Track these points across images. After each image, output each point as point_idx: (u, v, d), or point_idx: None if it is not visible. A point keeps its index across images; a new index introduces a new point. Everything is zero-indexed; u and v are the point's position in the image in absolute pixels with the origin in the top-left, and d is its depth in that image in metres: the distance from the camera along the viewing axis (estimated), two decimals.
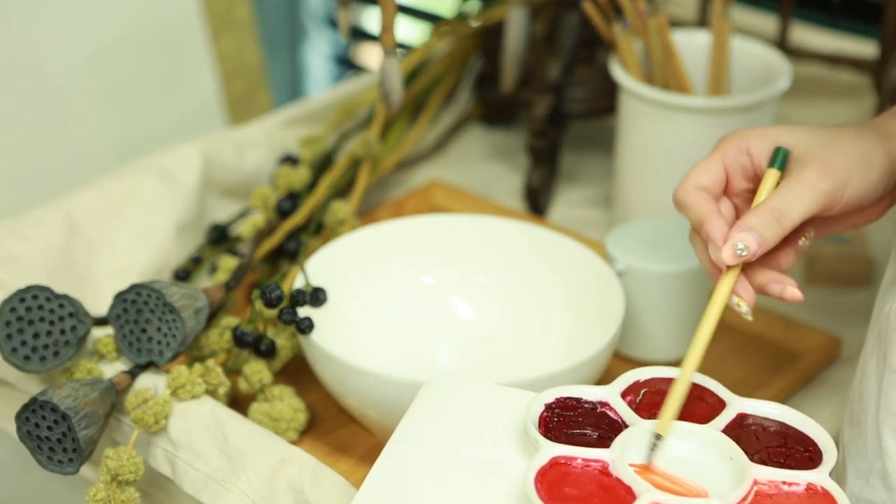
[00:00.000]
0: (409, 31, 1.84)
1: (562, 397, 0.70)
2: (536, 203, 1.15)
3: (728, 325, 0.99)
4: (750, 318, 0.71)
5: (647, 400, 0.70)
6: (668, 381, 0.70)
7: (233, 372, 0.89)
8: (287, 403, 0.86)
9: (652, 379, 0.71)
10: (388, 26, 0.94)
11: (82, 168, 1.38)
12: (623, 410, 0.69)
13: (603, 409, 0.69)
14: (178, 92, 1.51)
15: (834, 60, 1.23)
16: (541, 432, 0.67)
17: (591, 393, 0.70)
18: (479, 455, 0.68)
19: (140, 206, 1.02)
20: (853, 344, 0.96)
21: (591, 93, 1.17)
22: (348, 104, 1.15)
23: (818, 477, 0.64)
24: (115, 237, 1.00)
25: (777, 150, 0.72)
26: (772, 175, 0.72)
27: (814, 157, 0.71)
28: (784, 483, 0.64)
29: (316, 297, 0.89)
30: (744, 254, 0.70)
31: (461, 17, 1.32)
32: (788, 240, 0.73)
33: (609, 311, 0.87)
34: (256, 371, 0.86)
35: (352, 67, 1.95)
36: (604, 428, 0.68)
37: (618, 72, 1.01)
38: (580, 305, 0.91)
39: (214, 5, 1.52)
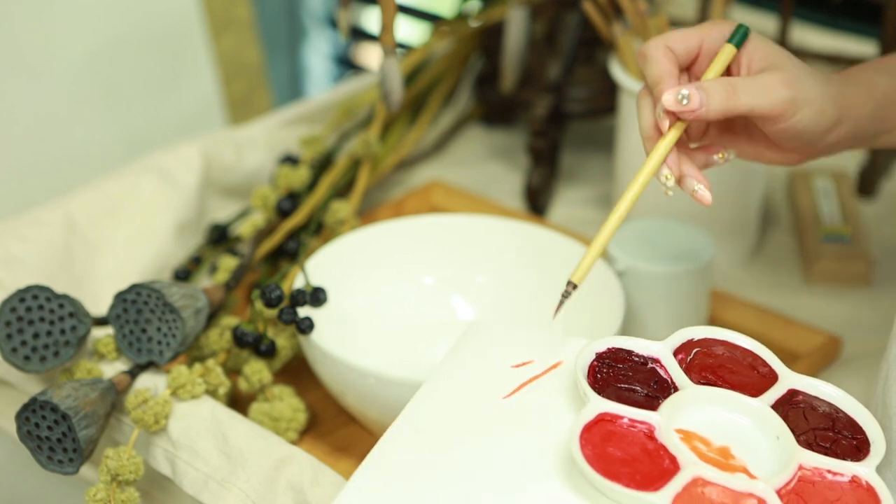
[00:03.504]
0: (409, 31, 1.84)
1: (614, 347, 0.69)
2: (536, 203, 1.15)
3: (728, 325, 0.99)
4: (671, 193, 0.73)
5: (699, 361, 0.69)
6: (722, 343, 0.70)
7: (233, 372, 0.89)
8: (287, 403, 0.86)
9: (706, 339, 0.70)
10: (388, 26, 0.94)
11: (82, 168, 1.38)
12: (674, 370, 0.68)
13: (653, 366, 0.68)
14: (178, 92, 1.50)
15: (834, 60, 1.23)
16: (589, 382, 0.66)
17: (643, 347, 0.69)
18: (520, 402, 0.68)
19: (140, 206, 1.02)
20: (853, 344, 0.96)
21: (591, 93, 1.17)
22: (348, 104, 1.15)
23: (865, 471, 0.63)
24: (115, 237, 1.00)
25: (739, 27, 0.74)
26: (727, 50, 0.74)
27: (786, 69, 0.73)
28: (829, 472, 0.63)
29: (316, 297, 0.89)
30: (684, 103, 0.70)
31: (461, 17, 1.32)
32: (707, 148, 0.76)
33: (609, 311, 0.87)
34: (256, 371, 0.86)
35: (352, 67, 1.95)
36: (652, 386, 0.67)
37: (618, 72, 1.01)
38: (580, 305, 0.91)
39: (214, 5, 1.52)
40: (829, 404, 0.67)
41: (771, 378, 0.68)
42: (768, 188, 1.14)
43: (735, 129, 0.78)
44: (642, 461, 0.62)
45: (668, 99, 0.71)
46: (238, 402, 0.90)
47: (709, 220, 1.01)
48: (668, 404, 0.65)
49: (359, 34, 1.90)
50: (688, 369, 0.68)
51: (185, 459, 0.79)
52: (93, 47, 1.40)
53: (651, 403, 0.66)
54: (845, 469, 0.63)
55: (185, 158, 1.05)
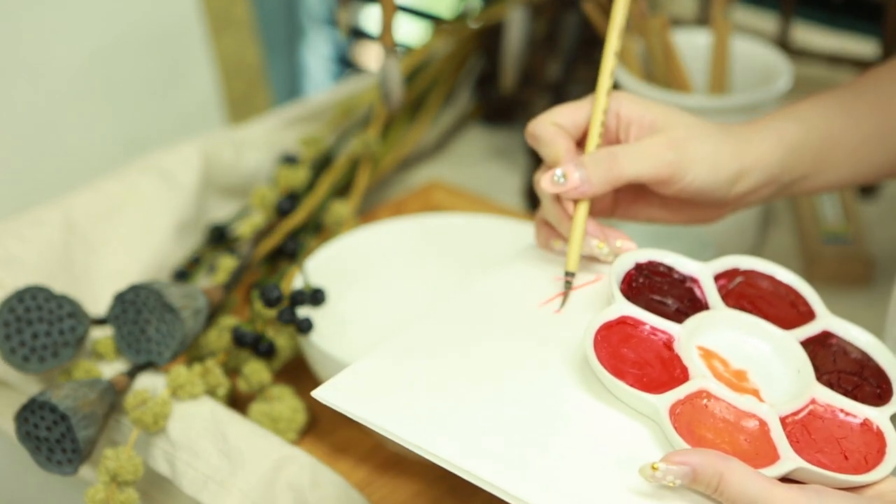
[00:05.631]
0: (409, 31, 1.84)
1: (655, 261, 0.69)
2: (536, 203, 1.14)
3: None
4: (611, 258, 0.70)
5: (739, 290, 0.69)
6: (767, 278, 0.70)
7: (232, 372, 0.89)
8: (287, 404, 0.86)
9: (752, 270, 0.70)
10: (388, 26, 0.94)
11: (82, 168, 1.38)
12: (710, 292, 0.68)
13: (691, 285, 0.69)
14: (178, 92, 1.50)
15: (834, 60, 1.23)
16: (622, 289, 0.67)
17: (684, 265, 0.69)
18: (553, 307, 0.69)
19: (139, 206, 1.02)
20: None
21: (591, 93, 1.17)
22: (348, 104, 1.15)
23: (878, 415, 0.63)
24: (115, 237, 1.00)
25: None
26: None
27: (671, 129, 0.71)
28: (842, 411, 0.63)
29: (315, 297, 0.89)
30: (561, 182, 0.69)
31: (461, 17, 1.32)
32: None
33: None
34: (256, 371, 0.86)
35: (351, 67, 1.95)
36: (685, 303, 0.67)
37: (618, 72, 1.01)
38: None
39: (214, 5, 1.52)
40: (862, 352, 0.67)
41: (808, 317, 0.68)
42: None
43: (643, 197, 0.76)
44: (654, 366, 0.63)
45: (545, 182, 0.69)
46: (238, 402, 0.90)
47: None
48: (693, 320, 0.65)
49: (359, 34, 1.90)
50: (726, 295, 0.68)
51: (184, 460, 0.79)
52: (93, 48, 1.40)
53: (679, 318, 0.66)
54: (859, 411, 0.63)
55: (185, 158, 1.05)
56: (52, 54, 1.37)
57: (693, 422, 0.60)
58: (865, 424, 0.62)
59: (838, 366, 0.66)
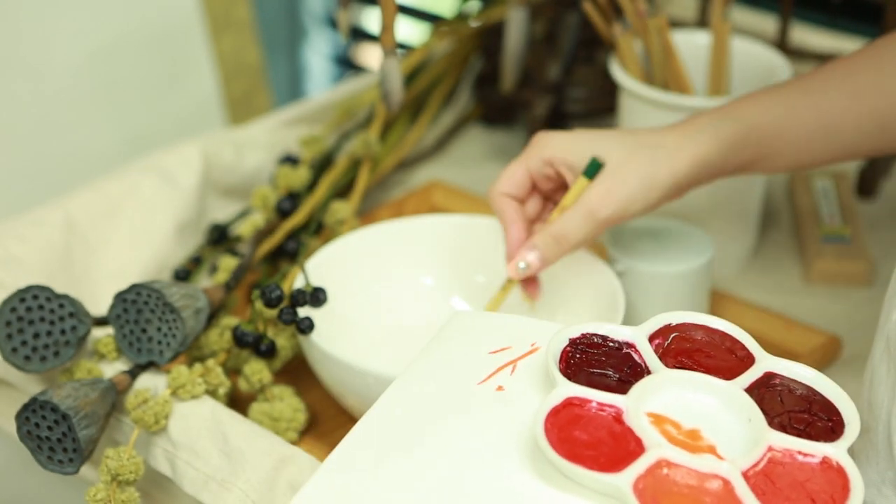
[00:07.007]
0: (409, 31, 1.84)
1: (588, 333, 0.69)
2: None
3: None
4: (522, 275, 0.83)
5: (676, 345, 0.68)
6: (700, 328, 0.69)
7: (233, 372, 0.89)
8: (287, 403, 0.86)
9: (683, 324, 0.69)
10: (388, 26, 0.94)
11: (82, 168, 1.38)
12: (648, 355, 0.67)
13: (628, 351, 0.68)
14: (178, 92, 1.51)
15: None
16: (561, 368, 0.66)
17: (618, 332, 0.69)
18: (495, 388, 0.68)
19: (139, 206, 1.02)
20: (853, 344, 0.96)
21: (591, 93, 1.17)
22: (348, 104, 1.15)
23: (835, 451, 0.62)
24: (115, 237, 1.00)
25: (592, 161, 0.82)
26: (580, 183, 0.83)
27: (599, 182, 0.81)
28: (799, 453, 0.62)
29: (316, 297, 0.89)
30: (525, 270, 0.83)
31: (461, 17, 1.32)
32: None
33: (609, 311, 0.87)
34: (256, 371, 0.86)
35: (352, 67, 1.95)
36: (626, 371, 0.67)
37: (618, 72, 1.01)
38: (580, 306, 0.91)
39: (214, 5, 1.52)
40: (807, 387, 0.66)
41: (748, 361, 0.68)
42: (768, 188, 1.14)
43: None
44: (608, 444, 0.62)
45: (512, 270, 0.83)
46: (238, 402, 0.90)
47: (709, 221, 1.01)
48: (637, 388, 0.65)
49: (359, 34, 1.91)
50: (664, 354, 0.68)
51: (185, 459, 0.79)
52: (93, 47, 1.40)
53: (623, 388, 0.65)
54: (816, 450, 0.62)
55: (185, 158, 1.05)
56: (52, 54, 1.37)
57: (658, 494, 0.59)
58: (825, 462, 0.62)
59: (786, 406, 0.65)
